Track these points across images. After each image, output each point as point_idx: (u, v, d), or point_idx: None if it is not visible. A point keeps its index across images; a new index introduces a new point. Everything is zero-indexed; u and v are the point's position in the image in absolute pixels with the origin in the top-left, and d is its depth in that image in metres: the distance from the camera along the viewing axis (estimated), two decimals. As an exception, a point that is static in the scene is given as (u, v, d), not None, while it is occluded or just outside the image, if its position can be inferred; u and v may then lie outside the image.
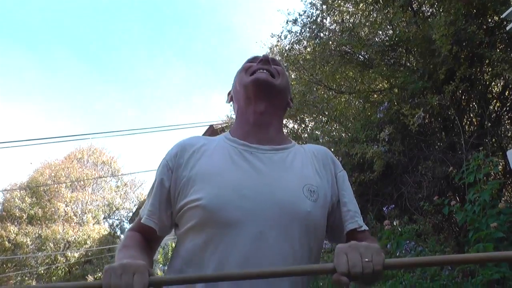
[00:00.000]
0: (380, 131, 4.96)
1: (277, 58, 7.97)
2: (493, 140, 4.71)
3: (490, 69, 4.81)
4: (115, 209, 20.26)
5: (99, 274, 17.22)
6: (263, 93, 1.30)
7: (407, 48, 5.15)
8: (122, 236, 20.27)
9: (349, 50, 5.44)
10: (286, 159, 1.26)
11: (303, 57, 5.74)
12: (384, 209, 4.37)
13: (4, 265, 17.03)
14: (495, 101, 5.08)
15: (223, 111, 16.79)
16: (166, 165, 1.25)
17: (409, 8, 5.23)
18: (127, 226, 21.45)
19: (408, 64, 5.24)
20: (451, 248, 3.73)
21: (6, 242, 17.22)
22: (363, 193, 5.11)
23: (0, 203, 18.99)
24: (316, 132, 5.71)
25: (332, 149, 5.29)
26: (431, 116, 4.92)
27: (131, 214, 20.70)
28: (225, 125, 16.37)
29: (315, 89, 5.73)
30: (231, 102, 1.45)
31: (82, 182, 18.96)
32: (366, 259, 0.94)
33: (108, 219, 19.78)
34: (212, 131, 17.10)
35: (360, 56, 5.48)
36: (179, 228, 1.22)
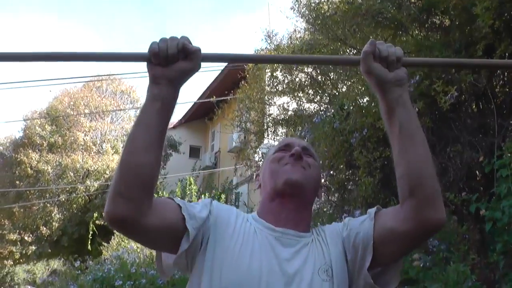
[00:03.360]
0: (410, 105, 4.72)
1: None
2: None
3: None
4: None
5: (118, 204, 17.69)
6: (294, 194, 1.36)
7: (443, 16, 4.78)
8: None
9: (381, 12, 5.06)
10: (306, 246, 1.32)
11: (332, 18, 5.39)
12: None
13: (28, 191, 17.51)
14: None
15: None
16: (209, 205, 1.34)
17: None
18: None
19: (443, 35, 4.87)
20: (476, 252, 3.59)
21: (29, 169, 17.60)
22: (386, 170, 4.94)
23: (21, 130, 19.29)
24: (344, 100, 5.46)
25: (358, 120, 5.07)
26: (464, 93, 4.63)
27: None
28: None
29: (342, 52, 5.43)
30: (260, 189, 1.50)
31: (101, 112, 19.01)
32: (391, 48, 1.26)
33: (127, 149, 20.00)
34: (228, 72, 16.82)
35: (392, 19, 5.11)
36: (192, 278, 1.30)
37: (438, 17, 4.94)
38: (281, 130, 8.01)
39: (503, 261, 3.12)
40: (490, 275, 3.32)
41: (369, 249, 1.28)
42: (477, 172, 4.41)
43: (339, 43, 5.52)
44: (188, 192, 15.94)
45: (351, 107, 5.21)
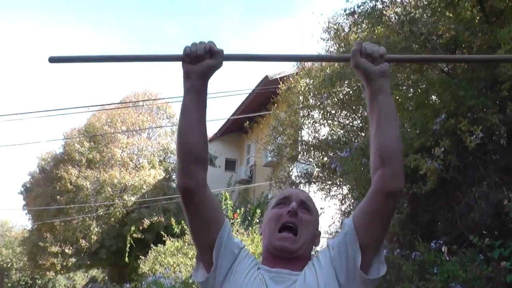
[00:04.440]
0: (436, 142, 4.78)
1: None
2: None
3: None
4: (170, 154, 20.83)
5: (155, 218, 18.04)
6: (286, 257, 1.60)
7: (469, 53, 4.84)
8: (176, 180, 21.23)
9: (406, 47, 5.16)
10: (297, 281, 1.54)
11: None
12: (432, 244, 4.30)
13: (68, 206, 18.09)
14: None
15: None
16: (237, 248, 1.65)
17: (479, 9, 4.86)
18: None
19: (469, 72, 4.94)
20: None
21: (68, 184, 18.20)
22: (413, 206, 5.02)
23: (61, 146, 19.95)
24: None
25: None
26: (490, 133, 4.68)
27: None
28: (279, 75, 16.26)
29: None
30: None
31: (137, 127, 19.48)
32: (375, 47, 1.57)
33: (163, 164, 20.38)
34: (266, 81, 17.04)
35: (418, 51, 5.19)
36: None
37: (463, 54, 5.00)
38: (314, 154, 8.15)
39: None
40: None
41: (356, 248, 1.53)
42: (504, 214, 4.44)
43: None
44: (224, 207, 16.20)
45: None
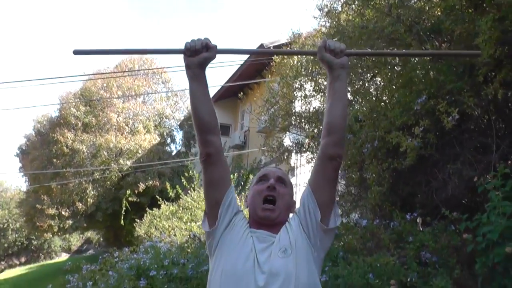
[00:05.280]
0: (416, 121, 5.12)
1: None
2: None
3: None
4: (165, 119, 21.05)
5: (150, 182, 18.45)
6: (267, 223, 2.01)
7: (451, 42, 5.14)
8: (172, 145, 20.94)
9: (393, 32, 5.44)
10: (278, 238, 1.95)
11: (350, 36, 5.78)
12: (408, 216, 4.70)
13: (64, 169, 18.40)
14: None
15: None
16: (236, 209, 2.05)
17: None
18: (176, 135, 22.37)
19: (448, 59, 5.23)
20: (464, 264, 4.08)
21: (65, 148, 18.47)
22: (393, 180, 5.40)
23: (57, 110, 20.11)
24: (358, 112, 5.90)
25: (370, 133, 5.51)
26: (466, 116, 5.02)
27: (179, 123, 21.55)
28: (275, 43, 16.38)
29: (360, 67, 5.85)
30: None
31: (133, 92, 19.65)
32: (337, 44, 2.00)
33: (158, 128, 20.63)
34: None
35: (403, 40, 5.48)
36: (211, 256, 2.01)
37: (445, 43, 5.29)
38: (305, 125, 8.48)
39: (481, 277, 3.63)
40: (473, 286, 3.82)
41: (315, 206, 1.96)
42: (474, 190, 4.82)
43: (355, 60, 5.94)
44: (218, 172, 16.50)
45: (364, 120, 5.63)
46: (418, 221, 4.80)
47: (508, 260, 3.49)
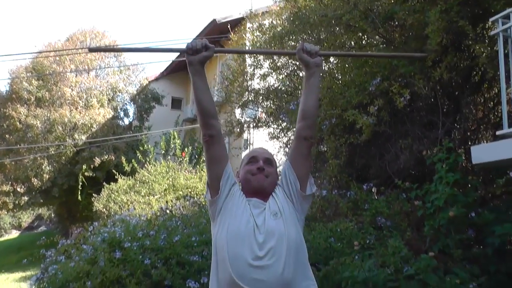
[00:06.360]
0: (371, 101, 5.61)
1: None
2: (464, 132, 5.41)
3: (471, 61, 5.34)
4: (118, 93, 20.89)
5: (106, 156, 18.44)
6: (261, 193, 2.42)
7: (402, 28, 5.62)
8: (125, 119, 20.82)
9: (350, 19, 5.85)
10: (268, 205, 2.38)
11: (309, 22, 6.15)
12: (364, 186, 5.22)
13: (18, 145, 18.10)
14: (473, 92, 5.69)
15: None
16: (233, 180, 2.44)
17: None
18: (130, 109, 22.29)
19: (398, 45, 5.72)
20: (414, 228, 4.65)
21: (17, 123, 18.10)
22: (350, 154, 5.91)
23: (8, 84, 19.59)
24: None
25: (328, 111, 5.96)
26: (416, 96, 5.54)
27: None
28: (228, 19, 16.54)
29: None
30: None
31: (86, 66, 19.41)
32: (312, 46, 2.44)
33: (112, 102, 20.48)
34: (214, 25, 17.35)
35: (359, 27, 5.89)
36: (214, 220, 2.41)
37: (397, 31, 5.76)
38: (263, 102, 8.84)
39: (429, 237, 4.20)
40: (422, 246, 4.39)
41: (294, 177, 2.41)
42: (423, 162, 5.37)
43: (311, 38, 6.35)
44: (172, 146, 16.68)
45: (323, 99, 6.08)
46: (373, 190, 5.35)
47: (450, 223, 4.06)
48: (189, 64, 2.36)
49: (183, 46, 2.40)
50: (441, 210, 4.12)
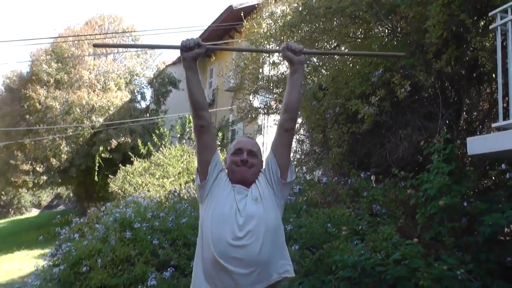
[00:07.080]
0: (373, 91, 5.76)
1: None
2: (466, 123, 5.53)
3: (473, 54, 5.44)
4: (135, 76, 21.19)
5: (122, 139, 18.80)
6: (244, 183, 2.62)
7: (405, 22, 5.73)
8: (142, 102, 21.11)
9: (354, 11, 5.97)
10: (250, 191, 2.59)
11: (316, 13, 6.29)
12: (362, 174, 5.39)
13: (37, 125, 18.55)
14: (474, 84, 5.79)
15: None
16: (221, 166, 2.65)
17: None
18: (147, 92, 22.60)
19: (401, 36, 5.83)
20: (408, 215, 4.83)
21: (37, 104, 18.54)
22: (352, 143, 6.08)
23: (28, 66, 20.00)
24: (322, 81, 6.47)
25: (332, 101, 6.12)
26: (417, 87, 5.67)
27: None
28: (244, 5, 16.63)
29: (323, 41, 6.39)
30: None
31: (104, 50, 19.69)
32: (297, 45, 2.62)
33: (129, 86, 20.79)
34: (231, 10, 17.46)
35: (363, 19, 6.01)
36: (202, 203, 2.63)
37: (400, 22, 5.87)
38: (273, 89, 9.03)
39: (420, 225, 4.38)
40: (414, 233, 4.56)
41: (276, 166, 2.60)
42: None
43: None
44: (187, 130, 16.93)
45: (327, 89, 6.24)
46: (372, 178, 5.52)
47: (442, 212, 4.22)
48: (183, 60, 2.57)
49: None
50: (434, 199, 4.27)
